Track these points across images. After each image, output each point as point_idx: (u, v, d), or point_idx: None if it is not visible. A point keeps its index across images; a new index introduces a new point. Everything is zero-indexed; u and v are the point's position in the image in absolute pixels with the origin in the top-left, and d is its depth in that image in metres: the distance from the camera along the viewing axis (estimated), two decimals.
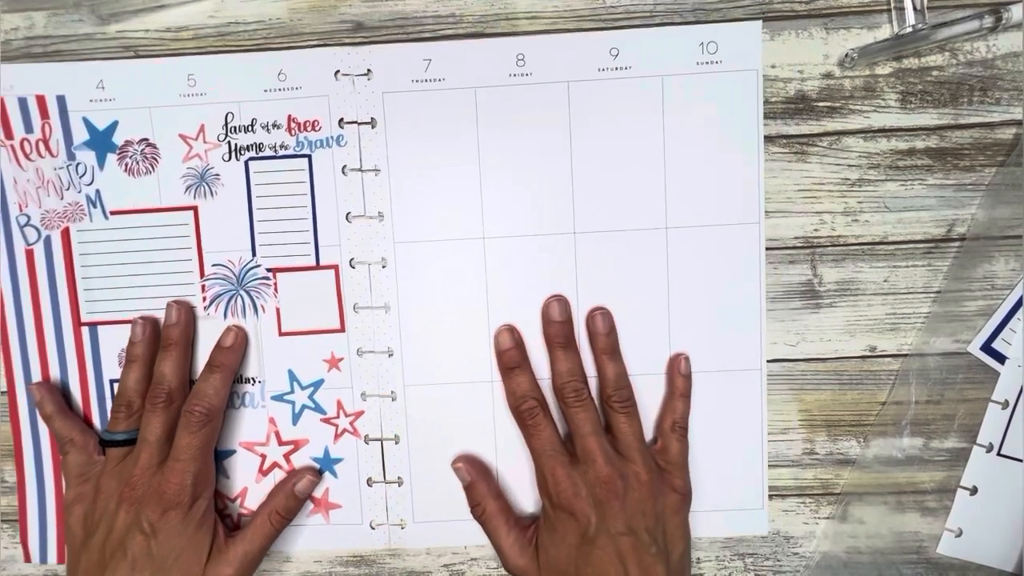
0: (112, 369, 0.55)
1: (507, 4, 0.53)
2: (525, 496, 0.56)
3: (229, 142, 0.53)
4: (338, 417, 0.55)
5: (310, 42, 0.53)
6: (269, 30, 0.53)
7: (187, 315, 0.53)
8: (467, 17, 0.53)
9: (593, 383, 0.54)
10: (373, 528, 0.56)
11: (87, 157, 0.53)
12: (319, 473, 0.55)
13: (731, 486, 0.56)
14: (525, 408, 0.52)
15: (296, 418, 0.55)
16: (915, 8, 0.50)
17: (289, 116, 0.53)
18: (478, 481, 0.54)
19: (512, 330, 0.54)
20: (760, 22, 0.52)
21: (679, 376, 0.54)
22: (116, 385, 0.54)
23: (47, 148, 0.53)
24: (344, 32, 0.53)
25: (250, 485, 0.55)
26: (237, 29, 0.53)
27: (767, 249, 0.54)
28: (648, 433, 0.55)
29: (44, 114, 0.53)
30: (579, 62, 0.52)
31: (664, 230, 0.53)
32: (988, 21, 0.48)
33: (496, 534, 0.53)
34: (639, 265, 0.54)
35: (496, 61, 0.52)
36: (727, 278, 0.54)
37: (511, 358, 0.53)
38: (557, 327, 0.53)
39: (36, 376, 0.55)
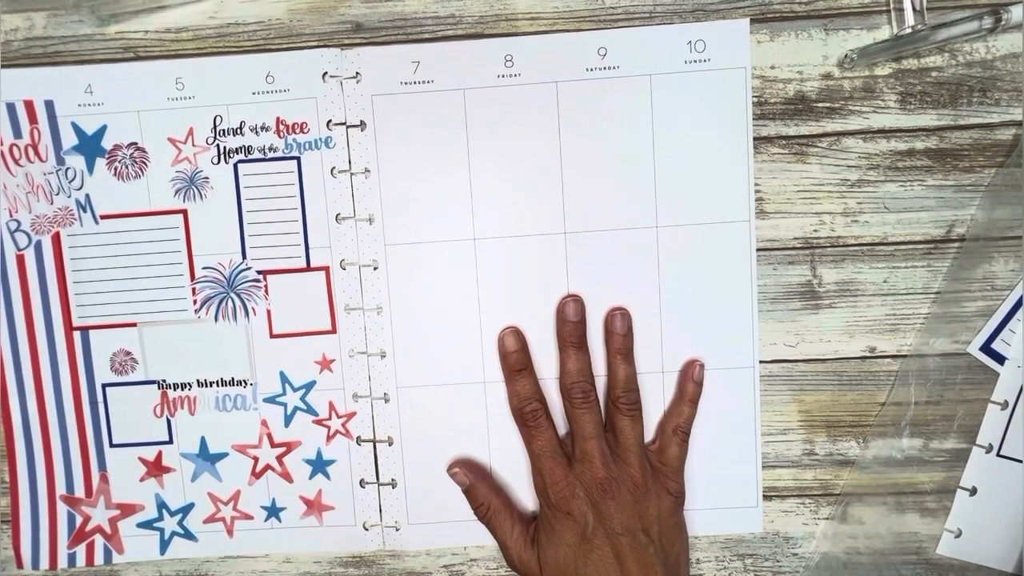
0: (104, 373, 0.59)
1: (507, 5, 0.56)
2: (522, 494, 0.60)
3: (218, 145, 0.57)
4: (330, 419, 0.60)
5: (310, 43, 0.57)
6: (269, 31, 0.57)
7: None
8: (467, 18, 0.56)
9: (600, 381, 0.58)
10: (366, 529, 0.61)
11: (76, 162, 0.58)
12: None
13: (726, 484, 0.60)
14: (528, 410, 0.57)
15: (288, 420, 0.60)
16: (915, 9, 0.53)
17: (278, 118, 0.57)
18: (477, 482, 0.58)
19: (517, 333, 0.58)
20: (747, 20, 0.56)
21: (691, 382, 0.58)
22: (108, 390, 0.59)
23: (36, 153, 0.57)
24: (343, 33, 0.57)
25: (243, 487, 0.60)
26: (237, 30, 0.57)
27: (767, 250, 0.58)
28: (648, 432, 0.59)
29: (32, 119, 0.57)
30: (567, 62, 0.56)
31: (655, 229, 0.57)
32: (987, 22, 0.51)
33: (501, 529, 0.58)
34: (630, 264, 0.58)
35: (485, 62, 0.56)
36: (719, 276, 0.58)
37: (516, 360, 0.57)
38: (571, 327, 0.57)
39: (28, 380, 0.59)
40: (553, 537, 0.56)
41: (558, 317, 0.58)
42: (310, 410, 0.60)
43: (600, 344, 0.59)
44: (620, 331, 0.57)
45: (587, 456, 0.55)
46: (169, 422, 0.60)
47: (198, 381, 0.59)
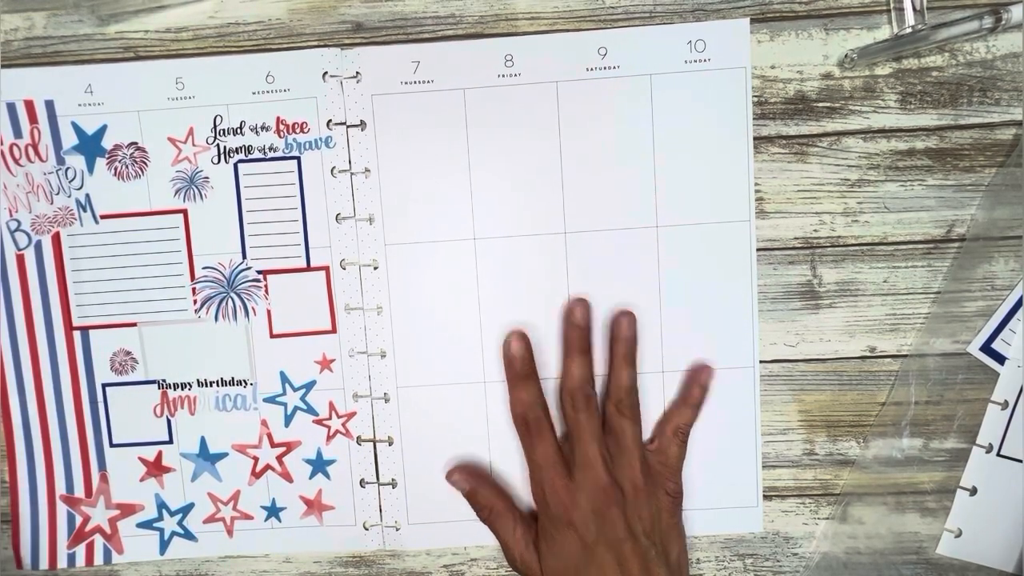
0: (104, 373, 0.60)
1: (507, 5, 0.56)
2: (523, 493, 0.60)
3: (218, 145, 0.57)
4: (330, 418, 0.60)
5: (310, 43, 0.57)
6: (269, 31, 0.57)
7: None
8: (467, 18, 0.57)
9: (598, 380, 0.58)
10: (367, 529, 0.61)
11: (76, 161, 0.58)
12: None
13: (726, 484, 0.60)
14: (532, 418, 0.56)
15: (288, 420, 0.60)
16: (915, 8, 0.53)
17: (278, 118, 0.57)
18: (479, 486, 0.58)
19: (523, 338, 0.58)
20: (747, 20, 0.56)
21: (697, 386, 0.58)
22: (108, 390, 0.60)
23: (36, 153, 0.58)
24: (344, 33, 0.57)
25: (243, 487, 0.61)
26: (237, 30, 0.57)
27: (767, 250, 0.58)
28: (645, 431, 0.59)
29: (33, 119, 0.57)
30: (567, 62, 0.56)
31: (655, 228, 0.58)
32: (988, 22, 0.51)
33: (504, 530, 0.58)
34: (630, 264, 0.58)
35: (485, 62, 0.56)
36: (719, 276, 0.58)
37: (522, 367, 0.57)
38: (578, 332, 0.57)
39: (28, 380, 0.60)
40: (555, 547, 0.55)
41: (565, 321, 0.58)
42: (310, 410, 0.60)
43: (600, 344, 0.59)
44: (626, 335, 0.57)
45: (588, 460, 0.55)
46: (169, 422, 0.60)
47: (198, 381, 0.60)
